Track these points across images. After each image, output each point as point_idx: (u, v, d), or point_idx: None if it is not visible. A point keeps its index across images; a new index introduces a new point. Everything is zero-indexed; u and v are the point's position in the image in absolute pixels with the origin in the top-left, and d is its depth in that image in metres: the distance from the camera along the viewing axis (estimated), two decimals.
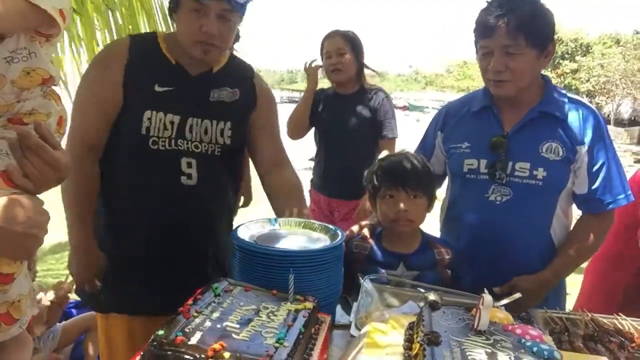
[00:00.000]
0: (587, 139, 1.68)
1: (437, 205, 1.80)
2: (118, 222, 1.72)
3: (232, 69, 1.79)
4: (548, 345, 1.03)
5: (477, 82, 40.63)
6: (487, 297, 1.05)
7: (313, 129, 3.18)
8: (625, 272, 2.17)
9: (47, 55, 1.09)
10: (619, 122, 27.29)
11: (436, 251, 1.70)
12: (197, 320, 0.99)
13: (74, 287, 1.87)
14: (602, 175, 1.69)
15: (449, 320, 1.09)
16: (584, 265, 2.16)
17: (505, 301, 1.48)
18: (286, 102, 30.57)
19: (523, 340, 1.03)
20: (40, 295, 2.41)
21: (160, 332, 0.91)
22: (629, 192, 1.72)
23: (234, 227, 1.52)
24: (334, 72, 3.00)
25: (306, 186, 2.32)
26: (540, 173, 1.67)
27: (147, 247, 1.68)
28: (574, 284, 2.12)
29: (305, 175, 2.55)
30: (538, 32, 1.62)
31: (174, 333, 0.92)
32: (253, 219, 1.57)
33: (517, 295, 1.51)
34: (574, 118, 1.71)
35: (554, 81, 1.86)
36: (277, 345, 0.94)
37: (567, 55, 33.49)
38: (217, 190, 1.75)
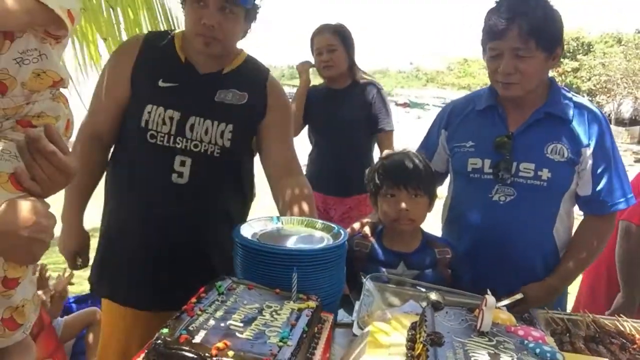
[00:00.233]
0: (592, 141, 1.69)
1: (438, 204, 1.80)
2: (117, 213, 1.76)
3: (245, 72, 1.78)
4: (550, 347, 1.03)
5: (477, 80, 40.63)
6: (490, 299, 1.05)
7: (307, 127, 3.15)
8: None
9: (57, 57, 1.08)
10: (620, 122, 27.29)
11: (437, 251, 1.70)
12: (201, 319, 0.99)
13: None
14: (606, 177, 1.69)
15: (452, 321, 1.09)
16: None
17: (506, 301, 1.48)
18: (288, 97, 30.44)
19: (526, 341, 1.03)
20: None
21: (165, 330, 0.91)
22: (630, 195, 1.73)
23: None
24: (326, 68, 2.97)
25: None
26: (545, 174, 1.67)
27: (137, 241, 1.70)
28: (574, 283, 2.13)
29: None
30: (549, 36, 1.61)
31: (178, 331, 0.92)
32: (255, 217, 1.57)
33: (519, 295, 1.52)
34: (579, 120, 1.71)
35: None
36: (280, 344, 0.94)
37: (568, 54, 33.46)
38: (209, 191, 1.71)
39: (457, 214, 1.88)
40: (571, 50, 34.13)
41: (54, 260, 3.11)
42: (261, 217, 1.56)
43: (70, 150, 1.04)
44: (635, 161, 15.21)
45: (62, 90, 1.14)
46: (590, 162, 1.69)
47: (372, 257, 1.70)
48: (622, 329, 1.42)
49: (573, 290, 2.27)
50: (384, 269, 1.65)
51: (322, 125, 3.06)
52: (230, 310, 1.05)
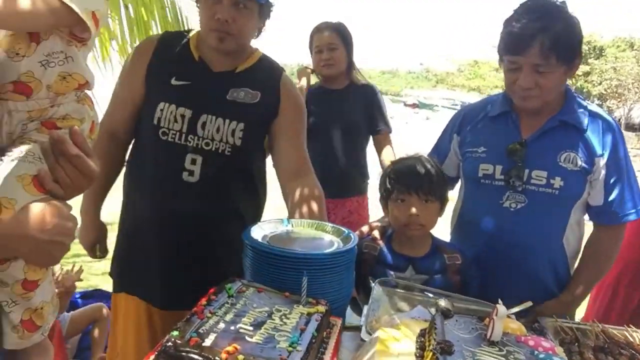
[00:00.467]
0: (606, 151, 1.67)
1: (447, 208, 1.79)
2: (133, 210, 1.79)
3: (259, 71, 1.77)
4: (560, 357, 1.03)
5: (487, 82, 40.44)
6: (501, 308, 1.04)
7: None
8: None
9: (83, 59, 1.08)
10: (630, 127, 27.04)
11: (447, 256, 1.69)
12: (211, 322, 0.99)
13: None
14: (618, 188, 1.68)
15: (462, 330, 1.08)
16: None
17: (516, 309, 1.47)
18: None
19: (536, 352, 1.03)
20: None
21: (175, 333, 0.91)
22: None
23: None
24: (326, 67, 2.92)
25: None
26: (557, 182, 1.66)
27: (150, 239, 1.72)
28: None
29: None
30: (569, 49, 1.59)
31: (188, 334, 0.92)
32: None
33: (529, 303, 1.50)
34: (593, 129, 1.70)
35: None
36: (290, 349, 0.94)
37: None
38: (219, 190, 1.72)
39: (467, 219, 1.87)
40: (583, 54, 33.86)
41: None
42: (271, 219, 1.56)
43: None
44: None
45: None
46: (603, 172, 1.67)
47: (381, 260, 1.70)
48: (632, 339, 1.41)
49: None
50: (392, 272, 1.64)
51: (319, 126, 2.98)
52: (240, 314, 1.05)
